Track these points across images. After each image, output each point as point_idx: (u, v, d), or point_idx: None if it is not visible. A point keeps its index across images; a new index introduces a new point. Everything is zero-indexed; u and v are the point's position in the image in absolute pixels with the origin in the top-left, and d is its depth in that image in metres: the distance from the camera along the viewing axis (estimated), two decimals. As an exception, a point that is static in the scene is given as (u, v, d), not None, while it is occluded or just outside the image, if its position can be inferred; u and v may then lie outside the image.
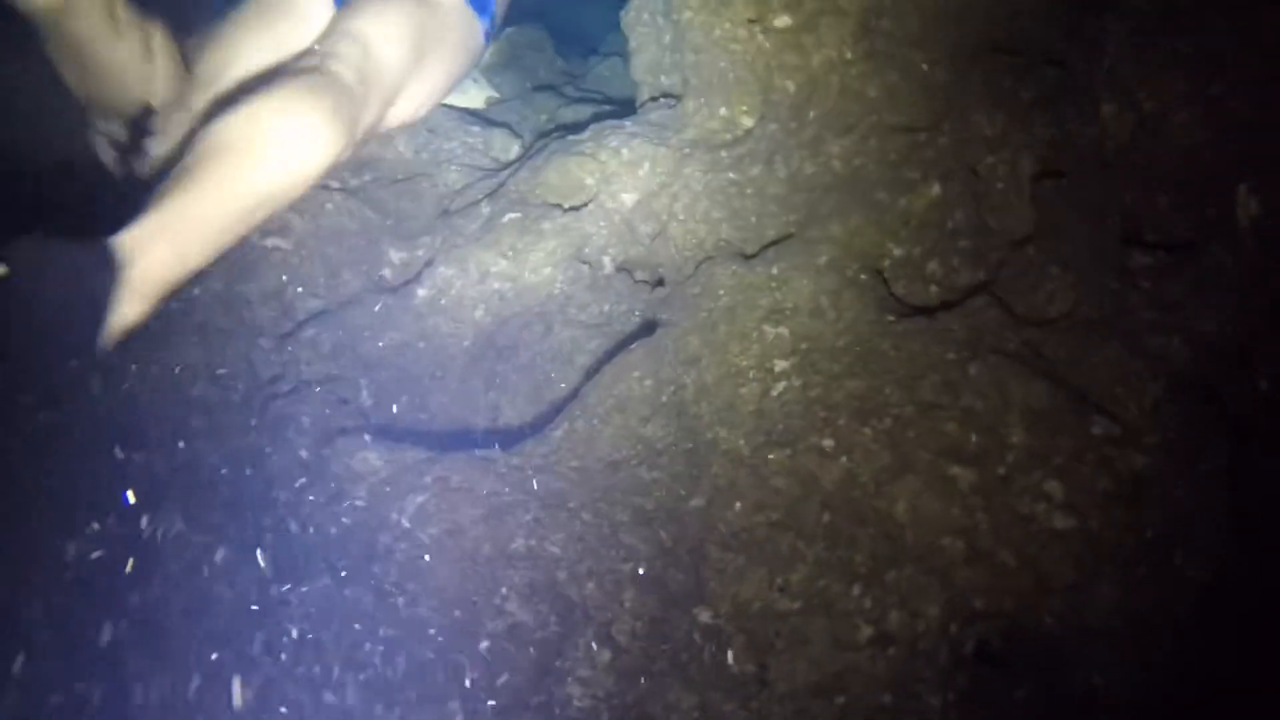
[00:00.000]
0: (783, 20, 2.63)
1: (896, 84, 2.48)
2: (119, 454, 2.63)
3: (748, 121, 2.84)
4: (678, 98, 3.21)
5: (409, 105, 2.81)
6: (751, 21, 2.69)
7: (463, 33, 3.02)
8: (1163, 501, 1.72)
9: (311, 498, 2.25)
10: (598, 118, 3.99)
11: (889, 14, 2.53)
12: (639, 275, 2.92)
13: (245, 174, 1.91)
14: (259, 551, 2.29)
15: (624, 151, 2.93)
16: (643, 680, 1.75)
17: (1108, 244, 2.02)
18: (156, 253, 1.72)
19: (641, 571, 1.84)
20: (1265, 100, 1.91)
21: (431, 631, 1.82)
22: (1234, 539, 1.73)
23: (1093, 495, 1.72)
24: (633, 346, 2.34)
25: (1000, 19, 2.40)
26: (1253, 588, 1.72)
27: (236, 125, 1.96)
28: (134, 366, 2.84)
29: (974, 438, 1.80)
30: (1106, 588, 1.75)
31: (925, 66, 2.47)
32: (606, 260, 2.94)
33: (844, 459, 1.88)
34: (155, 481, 2.60)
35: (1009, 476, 1.76)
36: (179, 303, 2.97)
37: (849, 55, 2.55)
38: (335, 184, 3.24)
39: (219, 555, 2.32)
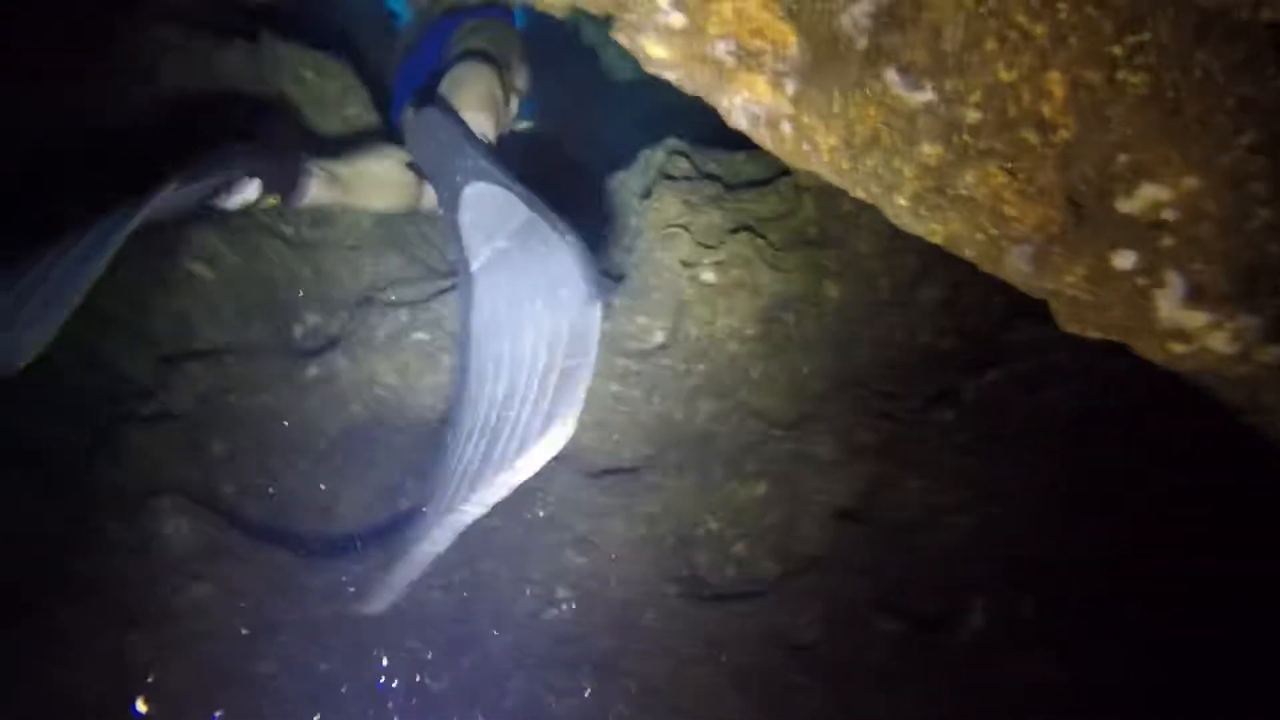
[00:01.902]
0: (708, 276, 2.94)
1: (775, 375, 2.78)
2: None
3: (659, 337, 3.12)
4: (616, 280, 3.50)
5: None
6: (684, 264, 2.99)
7: None
8: None
9: (118, 537, 2.38)
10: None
11: (796, 312, 2.85)
12: (511, 427, 3.14)
13: None
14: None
15: (542, 319, 3.18)
16: None
17: (869, 600, 2.30)
18: None
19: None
20: (1024, 535, 2.24)
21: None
22: None
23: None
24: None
25: (877, 362, 2.73)
26: None
27: None
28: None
29: None
30: None
31: (805, 371, 2.79)
32: (489, 404, 3.17)
33: (570, 701, 2.09)
34: None
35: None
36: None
37: (749, 332, 2.85)
38: (289, 231, 3.44)
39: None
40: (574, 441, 2.80)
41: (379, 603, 1.83)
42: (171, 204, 2.36)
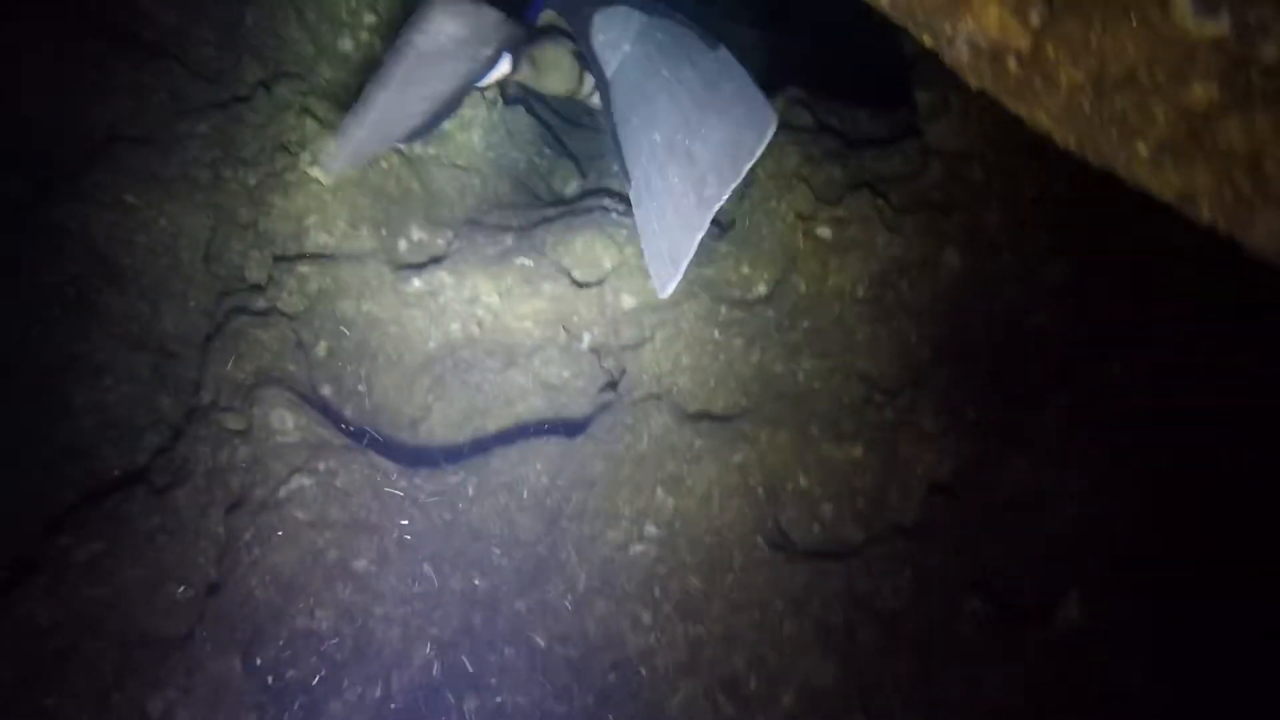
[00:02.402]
0: (823, 231, 2.87)
1: (883, 340, 2.71)
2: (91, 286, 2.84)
3: (762, 289, 3.07)
4: (724, 227, 3.44)
5: None
6: (800, 216, 2.92)
7: None
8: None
9: (227, 422, 2.46)
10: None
11: (909, 278, 2.77)
12: (608, 364, 3.14)
13: None
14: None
15: (647, 255, 3.15)
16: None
17: (959, 577, 2.25)
18: None
19: (441, 639, 2.06)
20: (1132, 530, 2.16)
21: (245, 600, 2.03)
22: None
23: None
24: (551, 439, 2.56)
25: (991, 338, 2.63)
26: None
27: None
28: (146, 212, 3.07)
29: (753, 682, 2.03)
30: None
31: (914, 339, 2.71)
32: (587, 337, 3.17)
33: (651, 638, 2.10)
34: (113, 322, 2.80)
35: None
36: (210, 174, 3.20)
37: (860, 293, 2.78)
38: (402, 147, 3.46)
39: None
40: (671, 380, 2.80)
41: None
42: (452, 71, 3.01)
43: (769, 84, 3.58)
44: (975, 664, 2.13)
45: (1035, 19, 1.02)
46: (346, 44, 3.43)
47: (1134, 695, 2.00)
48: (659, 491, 2.35)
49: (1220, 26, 0.82)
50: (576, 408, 3.04)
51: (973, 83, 1.19)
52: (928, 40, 1.25)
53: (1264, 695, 1.87)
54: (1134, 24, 0.88)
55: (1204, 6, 0.83)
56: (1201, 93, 0.87)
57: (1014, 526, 2.28)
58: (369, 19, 3.39)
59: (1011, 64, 1.10)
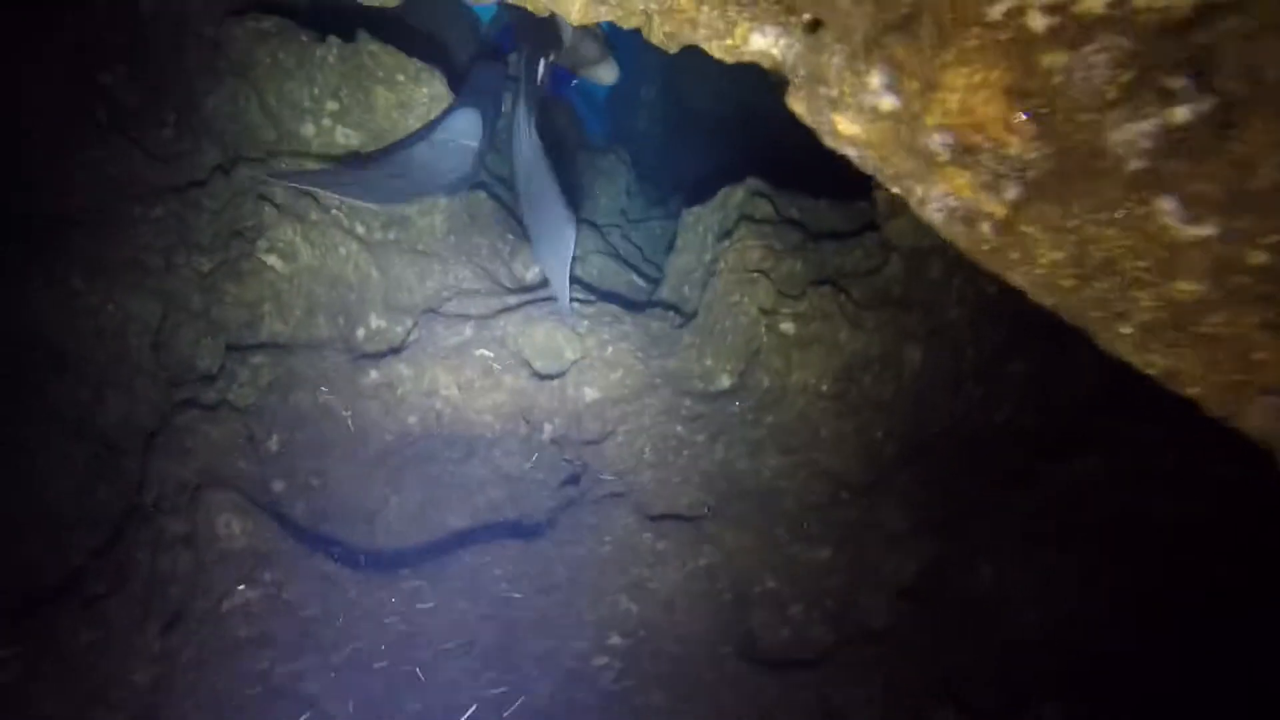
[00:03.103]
0: (786, 326, 2.87)
1: (848, 436, 2.69)
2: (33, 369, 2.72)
3: (725, 382, 3.05)
4: (686, 317, 3.44)
5: None
6: (763, 311, 2.92)
7: None
8: None
9: (168, 525, 2.34)
10: (617, 285, 4.21)
11: (873, 374, 2.77)
12: (568, 455, 3.08)
13: None
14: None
15: (609, 349, 3.12)
16: None
17: (929, 687, 2.20)
18: None
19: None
20: (1098, 633, 2.14)
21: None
22: None
23: None
24: (510, 542, 2.48)
25: (956, 434, 2.63)
26: None
27: None
28: (93, 297, 2.98)
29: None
30: None
31: (880, 435, 2.70)
32: (548, 428, 3.11)
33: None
34: (53, 410, 2.69)
35: None
36: (162, 260, 3.12)
37: (824, 389, 2.77)
38: (361, 230, 3.41)
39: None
40: (634, 478, 2.75)
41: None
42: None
43: (731, 176, 3.65)
44: (949, 781, 2.06)
45: (1011, 193, 1.03)
46: (308, 129, 3.40)
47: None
48: (622, 599, 2.28)
49: (1203, 230, 0.82)
50: (537, 500, 2.96)
51: (956, 241, 1.19)
52: (900, 193, 1.25)
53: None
54: (1119, 216, 0.88)
55: (1190, 215, 0.83)
56: (1188, 288, 0.86)
57: (980, 630, 2.23)
58: (331, 105, 3.37)
59: (986, 229, 1.10)
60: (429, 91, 3.53)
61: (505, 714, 2.00)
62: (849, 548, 2.44)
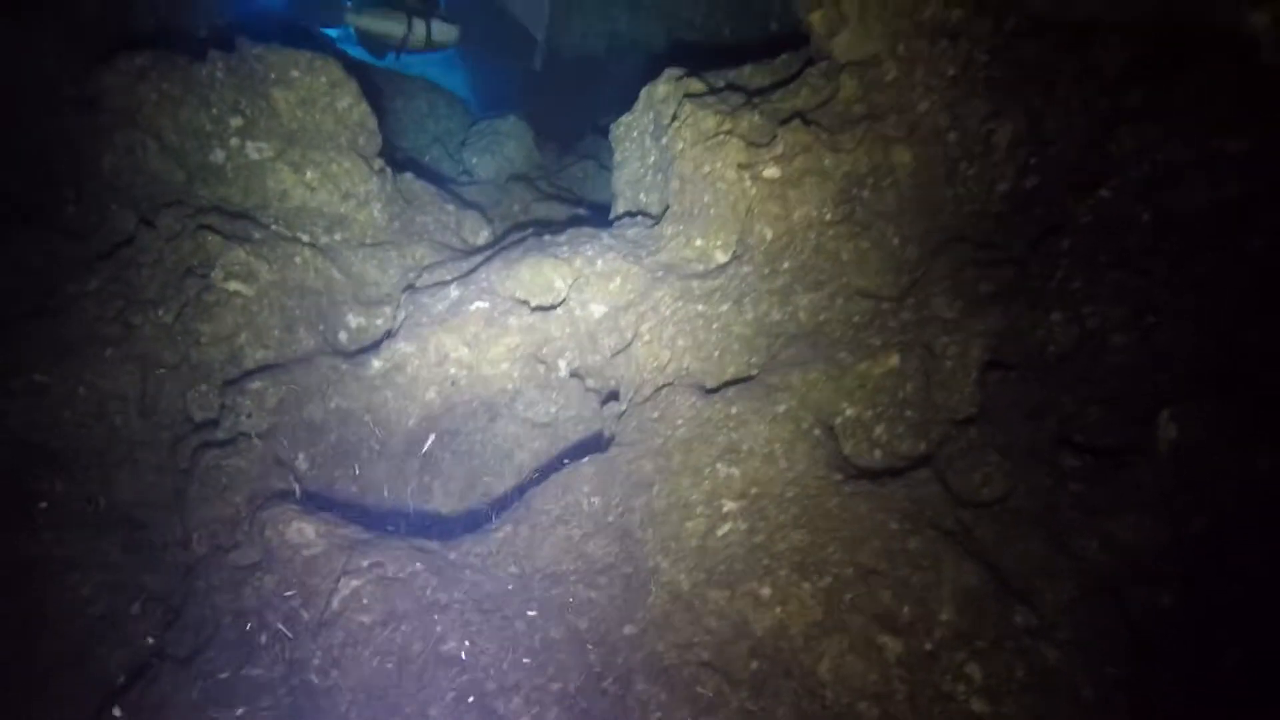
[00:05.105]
0: (771, 171, 2.79)
1: (868, 252, 2.64)
2: (30, 477, 2.52)
3: (721, 257, 2.97)
4: (654, 218, 3.34)
5: None
6: (741, 166, 2.84)
7: None
8: (1071, 698, 1.82)
9: (237, 559, 2.19)
10: (572, 219, 4.11)
11: (870, 187, 2.72)
12: (590, 384, 2.97)
13: None
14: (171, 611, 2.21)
15: (598, 262, 3.01)
16: (551, 806, 1.74)
17: (1044, 441, 2.17)
18: None
19: (568, 692, 1.84)
20: (1190, 338, 2.12)
21: (346, 726, 1.77)
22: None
23: (1009, 683, 1.81)
24: (585, 460, 2.37)
25: (970, 215, 2.60)
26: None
27: None
28: (59, 383, 2.77)
29: (906, 609, 1.88)
30: (1007, 773, 1.82)
31: (897, 241, 2.65)
32: (562, 364, 3.00)
33: (779, 609, 1.93)
34: (64, 512, 2.50)
35: (934, 653, 1.84)
36: (119, 327, 2.92)
37: (828, 216, 2.71)
38: (306, 237, 3.25)
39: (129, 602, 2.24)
40: (676, 366, 2.66)
41: None
42: None
43: (648, 76, 3.56)
44: (1100, 519, 2.04)
45: None
46: (218, 155, 3.21)
47: (1259, 487, 1.94)
48: (720, 467, 2.19)
49: None
50: (577, 432, 2.87)
51: None
52: None
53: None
54: None
55: None
56: None
57: (1076, 374, 2.21)
58: (235, 122, 3.18)
59: None
60: (328, 79, 3.36)
61: (647, 610, 1.90)
62: (915, 349, 2.39)
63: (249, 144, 3.24)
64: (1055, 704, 1.80)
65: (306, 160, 3.34)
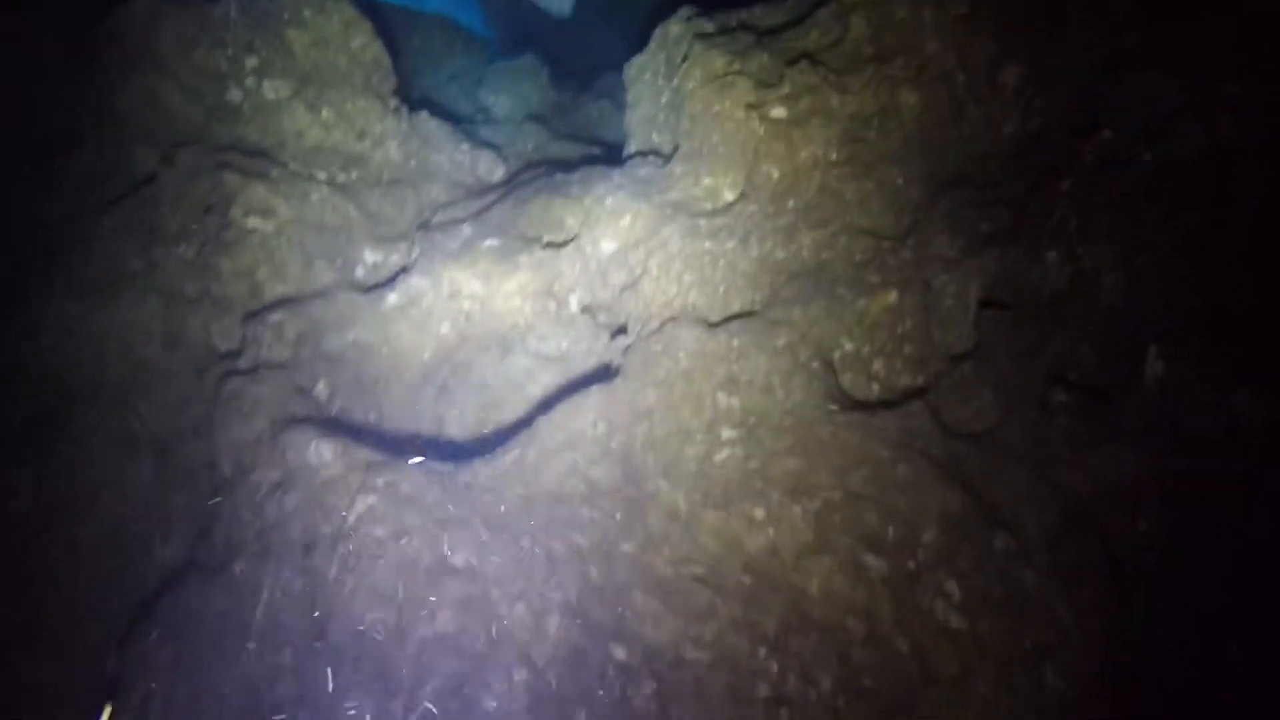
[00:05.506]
0: (778, 111, 2.83)
1: (872, 192, 2.69)
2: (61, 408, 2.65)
3: (729, 195, 3.02)
4: (665, 157, 3.39)
5: None
6: (750, 106, 2.88)
7: None
8: (1044, 618, 1.91)
9: (260, 479, 2.31)
10: (585, 159, 4.15)
11: (875, 128, 2.76)
12: (601, 319, 3.05)
13: None
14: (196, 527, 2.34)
15: (608, 200, 3.07)
16: (553, 703, 1.86)
17: (1035, 377, 2.24)
18: None
19: (568, 602, 1.95)
20: (1181, 279, 2.17)
21: (360, 629, 1.90)
22: (1101, 666, 1.92)
23: (985, 601, 1.91)
24: (590, 389, 2.46)
25: (972, 156, 2.64)
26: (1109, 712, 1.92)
27: None
28: (87, 316, 2.88)
29: (891, 531, 1.98)
30: (982, 686, 1.93)
31: (901, 182, 2.70)
32: (573, 300, 3.08)
33: (770, 530, 2.03)
34: (96, 440, 2.62)
35: (916, 572, 1.94)
36: (143, 262, 3.02)
37: (833, 156, 2.76)
38: (323, 175, 3.32)
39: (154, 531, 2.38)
40: (682, 301, 2.74)
41: None
42: None
43: (661, 14, 3.57)
44: (1084, 452, 2.11)
45: None
46: (235, 95, 3.27)
47: (1249, 423, 2.00)
48: (721, 396, 2.28)
49: None
50: (588, 365, 2.95)
51: None
52: None
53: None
54: None
55: None
56: None
57: (1069, 313, 2.27)
58: (251, 62, 3.24)
59: None
60: (340, 19, 3.40)
61: (647, 529, 2.01)
62: (913, 286, 2.45)
63: (265, 83, 3.30)
64: (1030, 623, 1.90)
65: (322, 99, 3.40)
